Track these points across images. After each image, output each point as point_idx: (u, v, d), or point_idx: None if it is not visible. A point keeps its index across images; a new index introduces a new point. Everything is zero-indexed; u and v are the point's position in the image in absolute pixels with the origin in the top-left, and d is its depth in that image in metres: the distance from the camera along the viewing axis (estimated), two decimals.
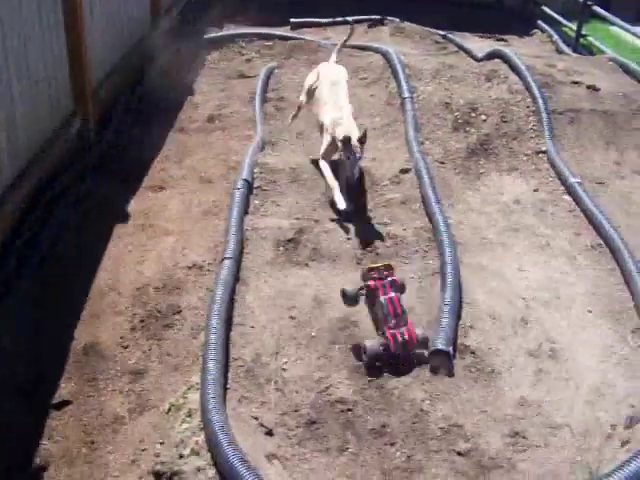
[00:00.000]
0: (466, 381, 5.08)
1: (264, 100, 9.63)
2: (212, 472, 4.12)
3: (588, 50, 13.27)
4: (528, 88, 8.99)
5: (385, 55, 10.42)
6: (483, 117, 8.62)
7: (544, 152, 8.15)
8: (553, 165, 7.91)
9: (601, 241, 6.64)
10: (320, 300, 5.71)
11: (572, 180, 7.49)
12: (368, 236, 6.52)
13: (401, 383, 4.99)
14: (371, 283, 5.36)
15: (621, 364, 5.20)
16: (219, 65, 11.28)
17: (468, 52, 11.77)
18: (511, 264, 6.34)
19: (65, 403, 4.97)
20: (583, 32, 13.59)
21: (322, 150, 7.24)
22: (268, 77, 10.34)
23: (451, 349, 5.16)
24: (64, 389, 5.07)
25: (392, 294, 5.29)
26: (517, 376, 5.14)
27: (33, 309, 5.64)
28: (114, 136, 8.36)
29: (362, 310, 5.52)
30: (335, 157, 7.21)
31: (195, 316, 5.59)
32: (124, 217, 6.98)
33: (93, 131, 7.82)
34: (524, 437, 4.66)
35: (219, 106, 9.65)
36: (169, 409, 4.74)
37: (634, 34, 12.42)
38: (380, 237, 6.54)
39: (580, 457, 4.47)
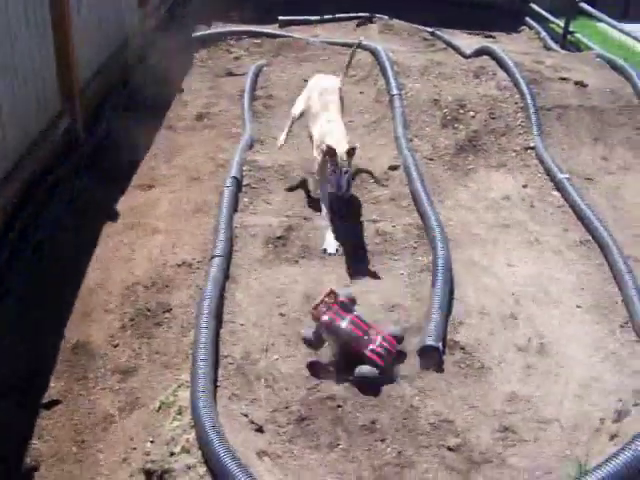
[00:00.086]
0: (456, 377, 5.09)
1: (253, 98, 9.62)
2: (203, 470, 4.12)
3: (575, 47, 13.32)
4: (516, 84, 9.02)
5: (374, 52, 10.42)
6: (472, 114, 8.64)
7: (532, 148, 8.18)
8: (542, 161, 7.94)
9: (589, 237, 6.67)
10: (310, 297, 5.70)
11: (560, 176, 7.53)
12: (357, 233, 6.52)
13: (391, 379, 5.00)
14: (325, 319, 5.03)
15: (609, 358, 5.23)
16: (207, 63, 11.27)
17: (456, 49, 11.80)
18: (500, 260, 6.36)
19: (55, 402, 4.96)
20: (571, 29, 13.64)
21: (315, 168, 6.78)
22: (257, 75, 10.33)
23: (441, 345, 5.17)
24: (54, 388, 5.06)
25: (348, 316, 5.07)
26: (507, 371, 5.16)
27: (23, 309, 5.63)
28: (103, 135, 8.34)
29: None
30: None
31: (185, 314, 5.59)
32: (113, 216, 6.97)
33: (81, 130, 7.80)
34: (514, 432, 4.67)
35: (208, 104, 9.64)
36: (159, 407, 4.74)
37: (621, 30, 12.48)
38: (369, 234, 6.54)
39: (569, 451, 4.48)
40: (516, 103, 8.79)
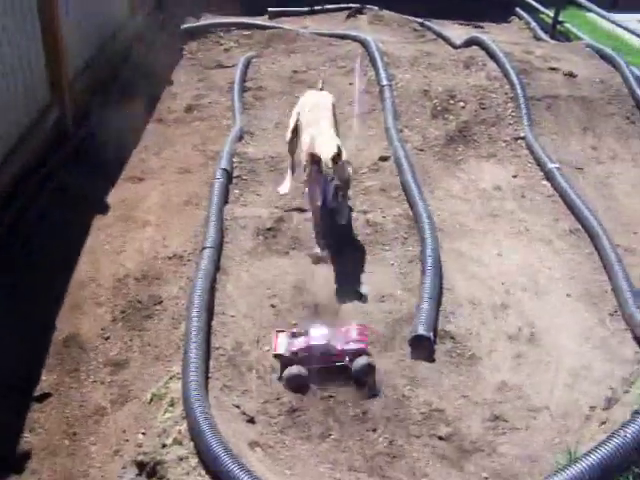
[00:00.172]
0: (447, 366, 5.11)
1: (242, 90, 9.59)
2: (195, 461, 4.12)
3: (565, 37, 13.32)
4: (506, 75, 9.03)
5: (363, 43, 10.42)
6: (462, 104, 8.65)
7: (522, 138, 8.19)
8: (531, 151, 7.96)
9: (579, 226, 6.69)
10: (300, 288, 5.72)
11: (550, 166, 7.54)
12: (347, 224, 6.53)
13: (382, 369, 5.01)
14: (292, 350, 4.94)
15: (599, 347, 5.25)
16: (197, 55, 11.24)
17: (446, 39, 11.79)
18: (491, 250, 6.38)
19: (47, 395, 4.96)
20: (560, 19, 13.64)
21: (305, 177, 6.28)
22: (246, 67, 10.30)
23: (432, 335, 5.19)
24: (45, 381, 5.06)
25: (303, 338, 5.00)
26: (497, 360, 5.18)
27: (13, 301, 5.61)
28: (92, 127, 8.30)
29: (343, 297, 5.54)
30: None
31: (176, 306, 5.59)
32: (103, 208, 6.96)
33: (71, 122, 7.77)
34: (505, 420, 4.70)
35: (197, 96, 9.62)
36: (151, 399, 4.74)
37: (610, 20, 12.49)
38: (359, 225, 6.55)
39: (560, 439, 4.51)
40: (506, 93, 8.79)
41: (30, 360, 5.18)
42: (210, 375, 4.75)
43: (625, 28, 11.56)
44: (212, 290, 5.50)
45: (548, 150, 7.90)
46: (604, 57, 10.03)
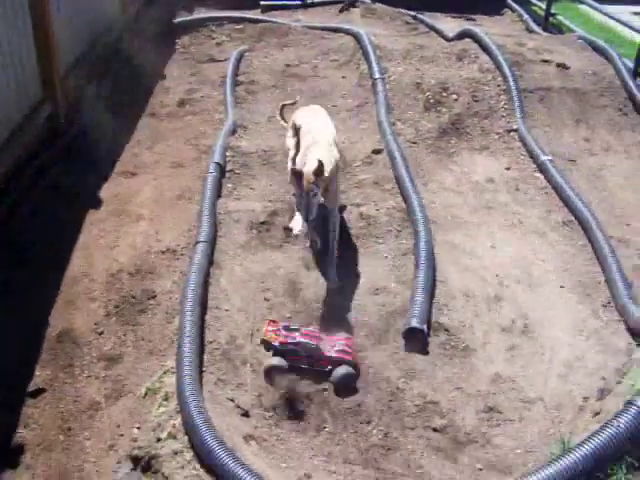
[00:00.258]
0: (441, 358, 5.12)
1: (235, 84, 9.58)
2: (189, 455, 4.13)
3: (558, 29, 13.31)
4: (499, 67, 9.03)
5: (356, 36, 10.41)
6: (454, 97, 8.65)
7: (515, 130, 8.20)
8: (524, 143, 7.97)
9: (572, 218, 6.70)
10: (294, 282, 5.72)
11: (543, 158, 7.55)
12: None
13: (376, 362, 5.02)
14: (280, 340, 4.95)
15: (592, 338, 5.27)
16: (189, 49, 11.21)
17: (439, 32, 11.78)
18: (484, 242, 6.39)
19: (41, 391, 4.95)
20: (552, 11, 13.62)
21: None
22: (239, 60, 10.29)
23: (425, 327, 5.20)
24: (39, 377, 5.04)
25: (295, 333, 5.03)
26: (491, 352, 5.19)
27: (6, 297, 5.60)
28: (85, 122, 8.27)
29: (336, 290, 5.55)
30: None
31: (169, 300, 5.58)
32: (96, 203, 6.93)
33: (63, 117, 7.75)
34: (499, 412, 4.72)
35: (190, 90, 9.61)
36: (145, 393, 4.74)
37: (602, 12, 12.48)
38: (353, 218, 6.55)
39: (553, 430, 4.53)
40: (499, 86, 8.79)
41: (24, 355, 5.17)
42: (204, 369, 4.75)
43: (617, 20, 11.53)
44: (206, 284, 5.49)
45: (541, 142, 7.91)
46: (596, 49, 10.04)
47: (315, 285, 5.66)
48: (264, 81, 9.67)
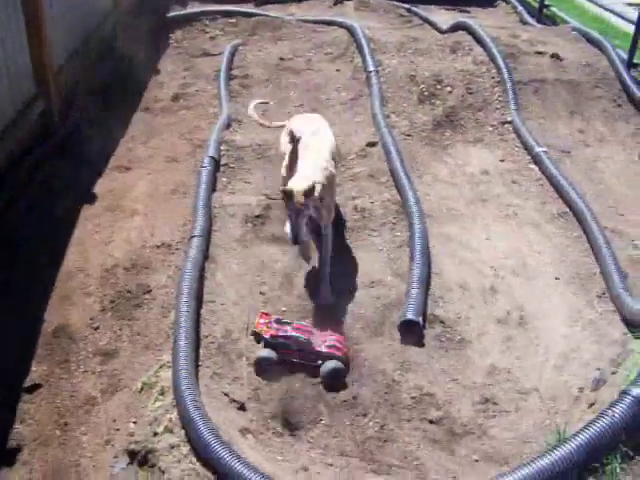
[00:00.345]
0: (436, 350, 5.13)
1: (229, 78, 9.56)
2: (186, 449, 4.13)
3: (552, 20, 13.29)
4: (493, 59, 9.02)
5: (350, 29, 10.39)
6: (448, 89, 8.64)
7: (510, 122, 8.20)
8: (519, 135, 7.97)
9: (567, 209, 6.71)
10: (289, 275, 5.72)
11: (538, 149, 7.55)
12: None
13: (372, 354, 5.03)
14: (271, 333, 4.98)
15: (587, 329, 5.27)
16: (183, 44, 11.18)
17: (432, 24, 11.76)
18: (479, 234, 6.39)
19: (37, 386, 4.94)
20: (546, 2, 13.61)
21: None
22: (233, 54, 10.27)
23: (421, 319, 5.20)
24: (35, 372, 5.04)
25: (288, 326, 5.05)
26: (487, 344, 5.20)
27: (2, 294, 5.59)
28: (79, 118, 8.26)
29: (332, 284, 5.55)
30: None
31: (165, 295, 5.58)
32: (91, 198, 6.93)
33: (56, 113, 7.73)
34: (494, 403, 4.73)
35: (184, 85, 9.59)
36: (141, 388, 4.74)
37: (596, 4, 12.47)
38: (348, 211, 6.55)
39: (549, 420, 4.54)
40: (493, 78, 8.79)
41: (20, 351, 5.16)
42: (200, 363, 4.76)
43: (611, 11, 11.54)
44: (201, 278, 5.49)
45: (535, 134, 7.91)
46: (591, 40, 10.03)
47: (311, 279, 5.65)
48: (258, 75, 9.66)
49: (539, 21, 13.15)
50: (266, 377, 4.80)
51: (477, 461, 4.33)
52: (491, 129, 8.15)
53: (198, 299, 5.25)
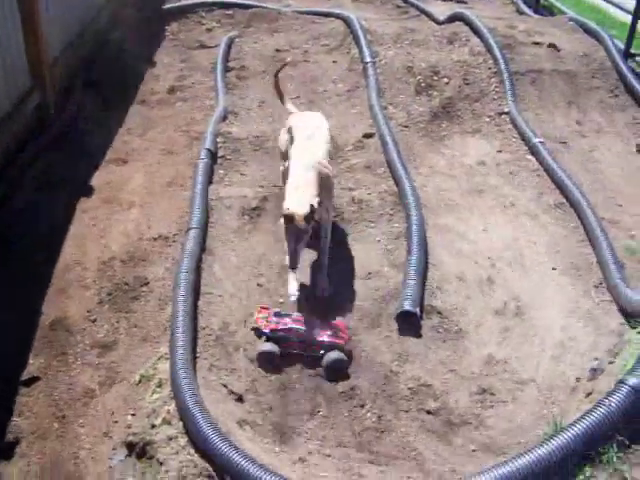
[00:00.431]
0: (434, 341, 5.14)
1: (225, 70, 9.53)
2: (184, 440, 4.14)
3: (549, 11, 13.28)
4: (490, 50, 9.00)
5: (346, 21, 10.36)
6: (445, 80, 8.63)
7: (507, 113, 8.19)
8: (516, 126, 7.95)
9: (564, 200, 6.70)
10: (286, 267, 5.69)
11: (535, 140, 7.54)
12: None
13: (369, 345, 5.04)
14: (270, 328, 4.99)
15: (584, 319, 5.28)
16: (179, 36, 11.12)
17: (429, 15, 11.71)
18: (476, 225, 6.39)
19: (34, 379, 4.95)
20: None
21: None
22: (229, 46, 10.23)
23: (418, 310, 5.21)
24: (33, 365, 5.04)
25: (288, 318, 5.06)
26: (484, 334, 5.21)
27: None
28: (75, 110, 8.24)
29: (329, 275, 5.55)
30: None
31: (162, 287, 5.57)
32: (88, 191, 6.91)
33: (52, 105, 7.71)
34: (492, 394, 4.74)
35: (180, 77, 9.56)
36: (139, 380, 4.74)
37: None
38: (345, 202, 6.54)
39: (546, 411, 4.55)
40: (490, 68, 8.77)
41: (17, 344, 5.16)
42: (198, 355, 4.76)
43: (609, 1, 11.52)
44: (198, 270, 5.49)
45: (532, 125, 7.90)
46: (588, 31, 10.01)
47: (308, 269, 5.65)
48: (255, 67, 9.63)
49: (536, 12, 13.11)
50: (269, 370, 4.81)
51: (474, 451, 4.34)
52: (488, 120, 8.14)
53: (195, 291, 5.24)
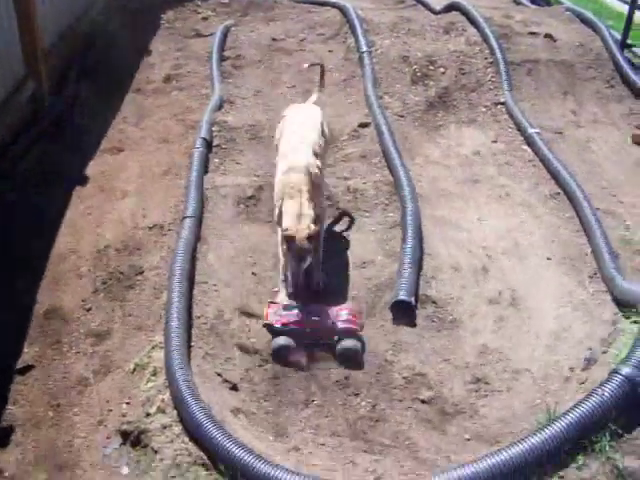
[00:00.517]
0: (428, 331, 5.15)
1: (221, 59, 9.50)
2: (178, 429, 4.14)
3: (545, 1, 13.24)
4: (486, 40, 8.99)
5: (342, 10, 10.33)
6: (442, 70, 8.62)
7: (503, 103, 8.19)
8: (512, 116, 7.95)
9: (559, 190, 6.70)
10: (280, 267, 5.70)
11: (531, 130, 7.54)
12: (329, 191, 6.50)
13: (364, 335, 5.04)
14: (283, 321, 4.96)
15: (579, 309, 5.29)
16: (175, 24, 11.07)
17: (426, 5, 11.66)
18: (471, 215, 6.40)
19: (29, 368, 4.95)
20: None
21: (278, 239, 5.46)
22: (225, 35, 10.20)
23: (413, 300, 5.21)
24: (28, 354, 5.04)
25: (296, 311, 5.02)
26: (478, 324, 5.22)
27: None
28: (70, 99, 8.21)
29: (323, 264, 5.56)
30: None
31: (157, 276, 5.57)
32: (83, 180, 6.90)
33: (47, 94, 7.68)
34: (486, 383, 4.75)
35: (176, 66, 9.52)
36: (134, 369, 4.74)
37: None
38: (340, 191, 6.54)
39: (540, 400, 4.56)
40: (486, 58, 8.77)
41: (12, 333, 5.16)
42: (192, 344, 4.76)
43: None
44: (193, 259, 5.48)
45: (528, 115, 7.90)
46: (584, 21, 10.01)
47: None
48: (250, 56, 9.60)
49: (533, 2, 13.09)
50: (287, 364, 4.79)
51: (468, 440, 4.35)
52: (484, 110, 8.14)
53: (190, 280, 5.24)
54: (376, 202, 6.41)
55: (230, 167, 6.93)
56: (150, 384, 4.50)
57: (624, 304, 5.11)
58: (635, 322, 4.81)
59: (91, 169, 7.10)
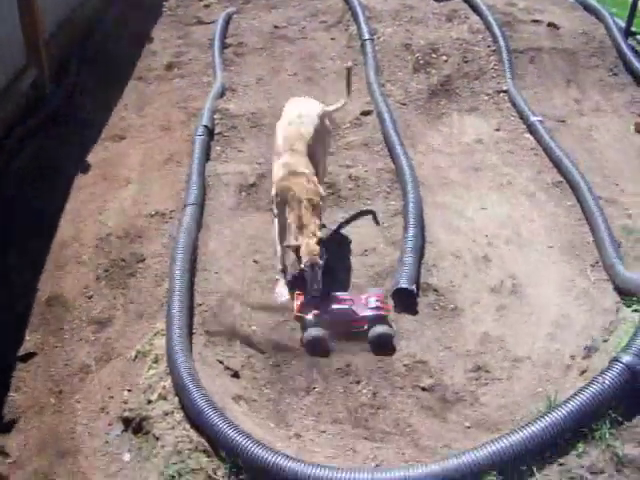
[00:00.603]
0: (430, 318, 5.16)
1: (223, 46, 9.46)
2: (180, 415, 4.16)
3: None
4: (489, 27, 8.95)
5: None
6: (444, 58, 8.58)
7: (505, 91, 8.15)
8: (514, 104, 7.91)
9: (561, 178, 6.68)
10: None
11: (533, 119, 7.51)
12: (331, 178, 6.50)
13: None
14: (313, 313, 4.95)
15: (580, 297, 5.29)
16: (177, 12, 11.02)
17: None
18: (473, 203, 6.39)
19: (31, 355, 4.98)
20: None
21: (274, 231, 5.49)
22: (227, 22, 10.15)
23: (414, 287, 5.21)
24: (29, 341, 5.08)
25: (326, 301, 5.02)
26: (480, 312, 5.22)
27: None
28: (71, 87, 8.20)
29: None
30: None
31: (159, 263, 5.59)
32: (85, 168, 6.90)
33: (48, 82, 7.67)
34: (487, 371, 4.75)
35: (178, 53, 9.48)
36: (135, 356, 4.77)
37: None
38: (342, 179, 6.53)
39: (541, 388, 4.57)
40: (489, 46, 8.73)
41: (14, 320, 5.18)
42: (194, 331, 4.77)
43: None
44: (195, 247, 5.49)
45: (531, 103, 7.86)
46: (588, 9, 9.94)
47: None
48: (252, 43, 9.56)
49: None
50: (321, 354, 4.81)
51: (469, 428, 4.36)
52: (486, 98, 8.10)
53: (192, 267, 5.25)
54: (378, 190, 6.40)
55: (232, 155, 6.92)
56: (152, 371, 4.52)
57: (625, 292, 5.11)
58: (636, 310, 4.81)
59: (93, 156, 7.10)
